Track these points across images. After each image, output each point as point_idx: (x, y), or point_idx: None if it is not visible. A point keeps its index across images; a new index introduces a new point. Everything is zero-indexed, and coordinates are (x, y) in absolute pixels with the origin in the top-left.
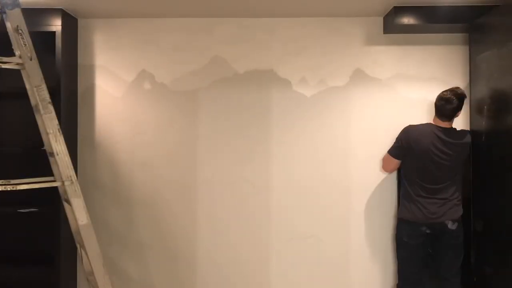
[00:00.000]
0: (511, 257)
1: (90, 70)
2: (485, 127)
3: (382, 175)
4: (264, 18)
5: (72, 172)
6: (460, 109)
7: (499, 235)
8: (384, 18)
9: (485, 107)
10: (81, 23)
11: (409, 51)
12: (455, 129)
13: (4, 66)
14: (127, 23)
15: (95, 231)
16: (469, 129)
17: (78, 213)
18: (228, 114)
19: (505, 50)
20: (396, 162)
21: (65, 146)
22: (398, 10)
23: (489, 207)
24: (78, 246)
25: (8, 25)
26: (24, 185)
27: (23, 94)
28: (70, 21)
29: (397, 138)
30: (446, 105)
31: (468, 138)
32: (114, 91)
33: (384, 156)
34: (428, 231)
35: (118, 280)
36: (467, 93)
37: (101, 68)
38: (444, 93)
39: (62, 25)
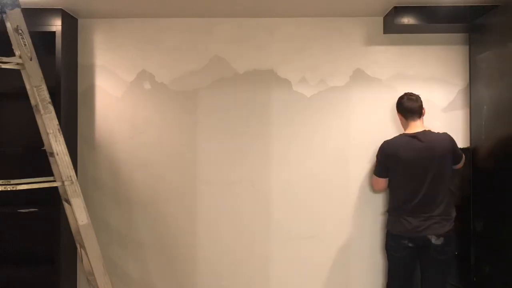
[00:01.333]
0: (511, 258)
1: (90, 70)
2: (485, 127)
3: None
4: (264, 18)
5: (72, 172)
6: (423, 108)
7: (499, 235)
8: (384, 18)
9: (485, 107)
10: (81, 23)
11: (409, 51)
12: (430, 131)
13: (4, 66)
14: (127, 23)
15: (95, 231)
16: (469, 129)
17: (78, 213)
18: (228, 114)
19: (505, 50)
20: (382, 181)
21: (65, 146)
22: (398, 10)
23: (489, 207)
24: (78, 246)
25: (8, 25)
26: (24, 185)
27: (23, 94)
28: (70, 21)
29: (376, 157)
30: (409, 101)
31: (446, 137)
32: (114, 91)
33: (372, 178)
34: (410, 245)
35: (118, 280)
36: (467, 92)
37: (101, 68)
38: (404, 95)
39: (62, 25)
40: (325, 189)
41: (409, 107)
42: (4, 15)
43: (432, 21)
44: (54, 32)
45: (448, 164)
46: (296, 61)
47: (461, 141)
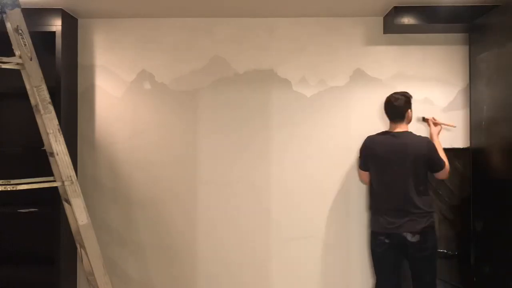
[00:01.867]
0: (511, 258)
1: (90, 70)
2: (485, 127)
3: None
4: (264, 18)
5: (72, 172)
6: (409, 108)
7: (499, 235)
8: (384, 18)
9: (485, 107)
10: (81, 23)
11: (409, 51)
12: (410, 132)
13: (4, 66)
14: (127, 23)
15: (95, 231)
16: (469, 129)
17: (78, 213)
18: (228, 114)
19: (505, 50)
20: (365, 173)
21: (65, 146)
22: (398, 10)
23: (489, 207)
24: (78, 246)
25: (8, 25)
26: (24, 185)
27: (23, 94)
28: (70, 21)
29: (359, 150)
30: (393, 103)
31: (423, 141)
32: (114, 91)
33: (357, 169)
34: (386, 241)
35: (118, 280)
36: (467, 92)
37: (101, 68)
38: (390, 94)
39: (62, 25)
40: (324, 189)
41: (390, 109)
42: (4, 15)
43: (432, 21)
44: (54, 32)
45: (421, 166)
46: (296, 61)
47: (461, 141)
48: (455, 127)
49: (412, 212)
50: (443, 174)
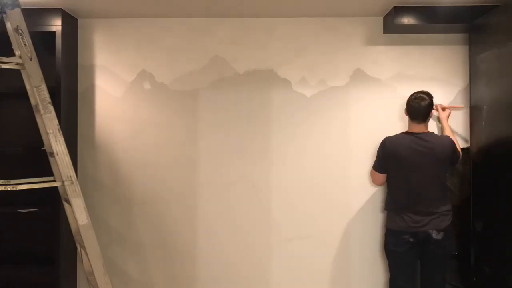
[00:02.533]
0: (511, 258)
1: (90, 70)
2: (485, 127)
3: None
4: (264, 18)
5: (72, 172)
6: (432, 109)
7: (499, 235)
8: (384, 18)
9: (485, 107)
10: (81, 23)
11: (409, 51)
12: (432, 133)
13: (4, 66)
14: (127, 23)
15: (95, 231)
16: (469, 129)
17: (78, 213)
18: (228, 114)
19: (505, 50)
20: (381, 176)
21: (65, 146)
22: (398, 10)
23: (489, 207)
24: (78, 246)
25: (8, 25)
26: (24, 185)
27: (23, 94)
28: (70, 21)
29: (377, 152)
30: (419, 103)
31: (447, 142)
32: (114, 91)
33: (371, 171)
34: (411, 240)
35: (118, 280)
36: (467, 92)
37: (101, 68)
38: (414, 93)
39: (62, 25)
40: (325, 189)
41: (413, 108)
42: (4, 15)
43: (432, 21)
44: (54, 32)
45: (445, 167)
46: (296, 61)
47: (461, 141)
48: (463, 107)
49: (436, 212)
50: (459, 161)
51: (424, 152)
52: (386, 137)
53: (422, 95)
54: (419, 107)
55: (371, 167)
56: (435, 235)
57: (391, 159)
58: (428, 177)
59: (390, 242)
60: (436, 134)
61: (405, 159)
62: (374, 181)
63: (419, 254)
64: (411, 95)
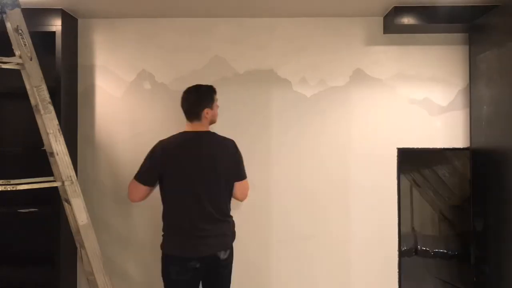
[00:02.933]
0: (511, 258)
1: (90, 70)
2: (485, 127)
3: (382, 175)
4: (264, 18)
5: (72, 172)
6: (207, 106)
7: (499, 235)
8: (384, 18)
9: (485, 107)
10: (81, 23)
11: (409, 51)
12: (213, 134)
13: (4, 66)
14: (127, 23)
15: (95, 231)
16: (469, 129)
17: (78, 213)
18: (228, 114)
19: (505, 50)
20: (144, 189)
21: (65, 146)
22: (398, 10)
23: (489, 207)
24: (78, 246)
25: (8, 25)
26: (24, 185)
27: (23, 94)
28: (70, 21)
29: (144, 158)
30: (186, 98)
31: (229, 145)
32: (114, 91)
33: (130, 182)
34: (197, 266)
35: (118, 279)
36: (467, 92)
37: (101, 68)
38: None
39: (62, 25)
40: (325, 189)
41: (183, 106)
42: (4, 15)
43: (432, 21)
44: (54, 32)
45: (228, 166)
46: (296, 61)
47: (461, 141)
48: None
49: (222, 226)
50: (244, 188)
51: (204, 155)
52: (159, 140)
53: (192, 92)
54: (185, 104)
55: (133, 177)
56: (222, 255)
57: (163, 165)
58: (213, 184)
59: (171, 271)
60: (216, 134)
61: (179, 162)
62: (131, 195)
63: (203, 280)
64: (184, 92)
